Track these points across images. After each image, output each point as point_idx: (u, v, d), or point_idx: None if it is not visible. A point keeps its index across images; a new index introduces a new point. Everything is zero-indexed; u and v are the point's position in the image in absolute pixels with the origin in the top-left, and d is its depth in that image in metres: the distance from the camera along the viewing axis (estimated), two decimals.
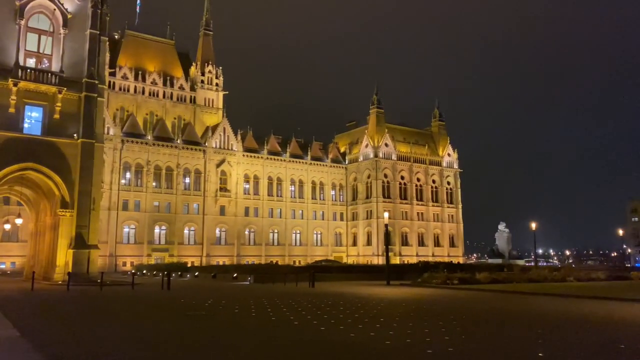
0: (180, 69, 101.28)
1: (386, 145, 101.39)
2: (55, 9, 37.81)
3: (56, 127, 37.63)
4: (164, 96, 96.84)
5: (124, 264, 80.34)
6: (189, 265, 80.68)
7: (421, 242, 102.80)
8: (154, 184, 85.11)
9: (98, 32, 39.82)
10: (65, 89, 37.57)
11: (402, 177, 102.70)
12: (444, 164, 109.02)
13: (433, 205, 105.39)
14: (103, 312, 17.95)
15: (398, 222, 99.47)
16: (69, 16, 38.58)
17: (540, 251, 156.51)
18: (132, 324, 14.35)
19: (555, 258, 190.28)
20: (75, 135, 38.21)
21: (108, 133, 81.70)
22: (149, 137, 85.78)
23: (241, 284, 39.67)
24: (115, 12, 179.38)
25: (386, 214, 43.71)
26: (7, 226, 57.13)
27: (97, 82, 39.36)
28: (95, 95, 39.21)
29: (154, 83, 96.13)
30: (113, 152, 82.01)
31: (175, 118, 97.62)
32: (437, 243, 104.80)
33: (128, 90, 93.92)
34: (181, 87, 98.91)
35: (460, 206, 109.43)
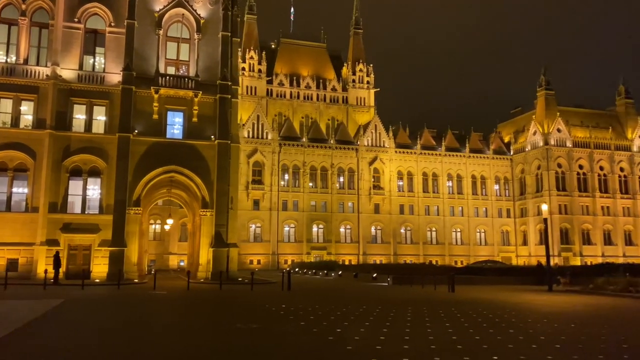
0: (332, 70, 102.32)
1: (558, 130, 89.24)
2: (189, 16, 39.35)
3: (195, 130, 39.15)
4: (317, 99, 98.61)
5: (285, 261, 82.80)
6: (347, 263, 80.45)
7: (608, 241, 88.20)
8: (310, 184, 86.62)
9: (229, 34, 40.63)
10: (200, 92, 38.91)
11: (580, 167, 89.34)
12: (635, 149, 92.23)
13: (622, 198, 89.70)
14: (151, 321, 16.22)
15: (577, 217, 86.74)
16: (202, 21, 40.02)
17: None
18: (142, 338, 12.50)
19: None
20: (212, 137, 39.28)
21: (267, 138, 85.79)
22: (304, 140, 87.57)
23: (378, 285, 36.94)
24: (272, 22, 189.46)
25: (544, 207, 36.89)
26: (167, 227, 62.45)
27: (230, 83, 40.14)
28: (229, 96, 40.02)
29: (307, 87, 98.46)
30: (272, 155, 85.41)
31: (329, 119, 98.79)
32: (628, 241, 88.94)
33: (284, 96, 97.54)
34: (333, 89, 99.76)
35: None
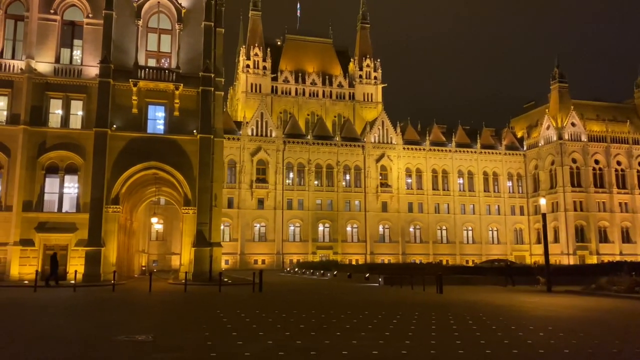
0: (338, 66, 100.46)
1: (573, 124, 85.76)
2: (169, 5, 37.81)
3: (177, 124, 37.60)
4: (323, 95, 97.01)
5: (291, 261, 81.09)
6: (354, 263, 78.21)
7: (626, 238, 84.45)
8: (315, 182, 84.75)
9: (212, 24, 38.94)
10: (182, 85, 37.30)
11: (596, 162, 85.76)
12: None
13: None
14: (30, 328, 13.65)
15: (593, 214, 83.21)
16: (184, 11, 38.41)
17: None
18: None
19: None
20: (194, 131, 37.65)
21: (271, 135, 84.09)
22: (309, 137, 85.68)
23: (368, 285, 34.94)
24: (278, 19, 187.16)
25: (543, 201, 34.65)
26: (159, 226, 61.06)
27: (213, 75, 38.42)
28: (212, 88, 38.34)
29: (313, 83, 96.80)
30: (276, 153, 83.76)
31: (335, 116, 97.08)
32: None
33: (289, 93, 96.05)
34: (340, 85, 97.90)
35: None
